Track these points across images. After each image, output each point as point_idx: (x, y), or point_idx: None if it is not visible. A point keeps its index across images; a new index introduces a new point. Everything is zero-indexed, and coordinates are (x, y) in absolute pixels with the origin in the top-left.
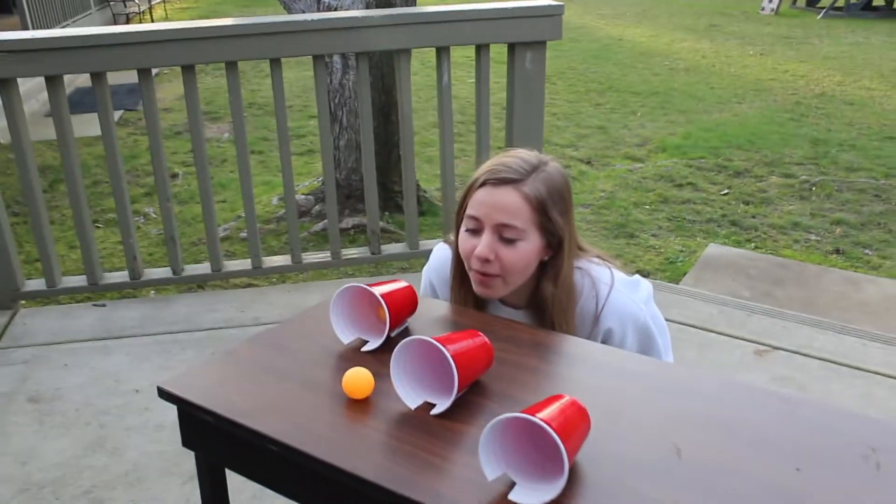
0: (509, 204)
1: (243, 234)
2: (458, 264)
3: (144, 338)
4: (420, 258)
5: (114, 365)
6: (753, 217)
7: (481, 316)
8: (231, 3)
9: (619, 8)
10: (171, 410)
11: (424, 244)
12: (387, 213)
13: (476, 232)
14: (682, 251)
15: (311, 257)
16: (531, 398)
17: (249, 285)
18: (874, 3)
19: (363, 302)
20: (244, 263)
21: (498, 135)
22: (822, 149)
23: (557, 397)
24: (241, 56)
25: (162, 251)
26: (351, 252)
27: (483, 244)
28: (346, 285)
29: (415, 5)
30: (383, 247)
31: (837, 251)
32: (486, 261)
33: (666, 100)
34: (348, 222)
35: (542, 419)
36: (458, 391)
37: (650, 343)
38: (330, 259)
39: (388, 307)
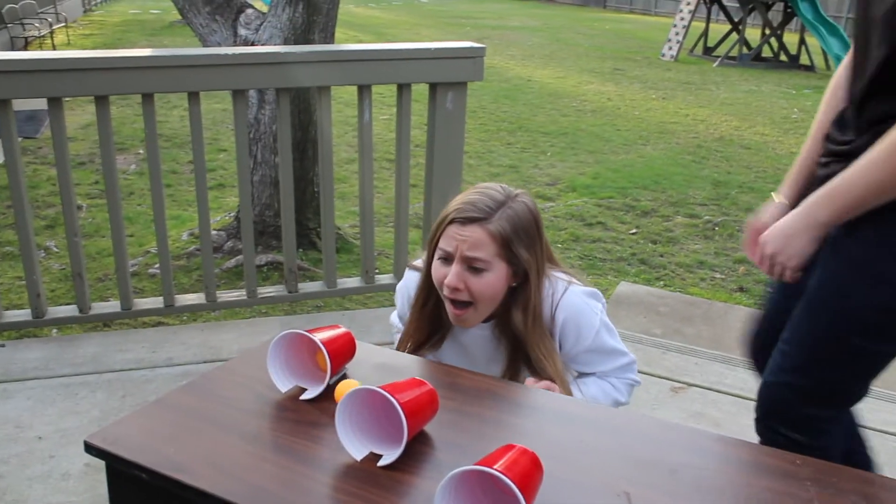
0: (476, 240)
1: (152, 271)
2: (424, 289)
3: (48, 380)
4: (336, 297)
5: (13, 410)
6: (661, 256)
7: (420, 361)
8: (137, 32)
9: (528, 49)
10: (78, 458)
11: (342, 282)
12: (300, 250)
13: (447, 262)
14: None
15: (225, 295)
16: (477, 446)
17: (159, 324)
18: (763, 55)
19: (301, 348)
20: (156, 301)
21: (412, 171)
22: (723, 190)
23: (509, 447)
24: (159, 88)
25: (65, 287)
26: (267, 290)
27: (452, 274)
28: (284, 332)
29: (333, 41)
30: (300, 285)
31: (741, 289)
32: (455, 289)
33: (575, 140)
34: (261, 259)
35: (499, 471)
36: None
37: (606, 346)
38: (246, 297)
39: (328, 354)
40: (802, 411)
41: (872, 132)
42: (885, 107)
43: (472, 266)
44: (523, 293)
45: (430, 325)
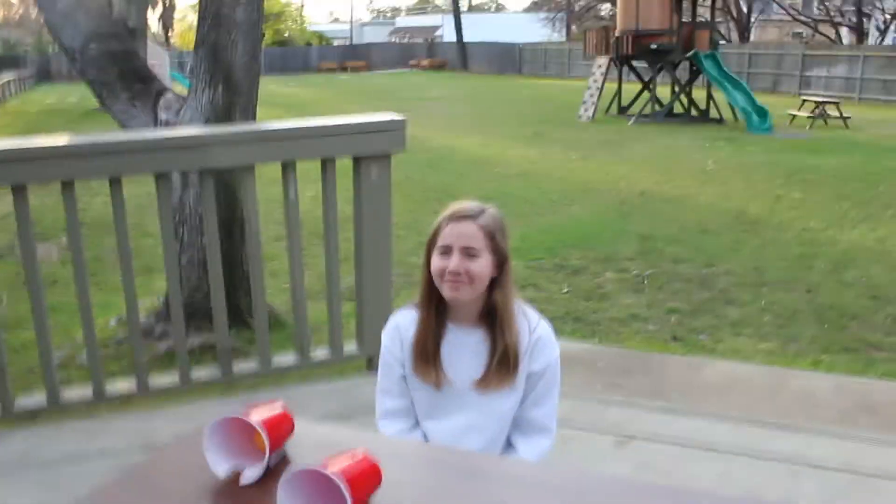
0: (471, 232)
1: (80, 360)
2: (427, 289)
3: None
4: (272, 375)
5: None
6: (595, 312)
7: (358, 435)
8: (57, 121)
9: (450, 119)
10: None
11: (276, 360)
12: (234, 330)
13: (446, 255)
14: None
15: (158, 381)
16: None
17: (91, 415)
18: (675, 111)
19: (239, 430)
20: (85, 391)
21: (343, 245)
22: (649, 244)
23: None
24: (80, 175)
25: None
26: (201, 374)
27: (454, 262)
28: (220, 417)
29: (254, 119)
30: (234, 365)
31: (675, 338)
32: (457, 273)
33: (501, 204)
34: (193, 341)
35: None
36: None
37: (555, 381)
38: (179, 383)
39: (266, 435)
40: None
41: None
42: None
43: (469, 254)
44: (500, 279)
45: (436, 321)
